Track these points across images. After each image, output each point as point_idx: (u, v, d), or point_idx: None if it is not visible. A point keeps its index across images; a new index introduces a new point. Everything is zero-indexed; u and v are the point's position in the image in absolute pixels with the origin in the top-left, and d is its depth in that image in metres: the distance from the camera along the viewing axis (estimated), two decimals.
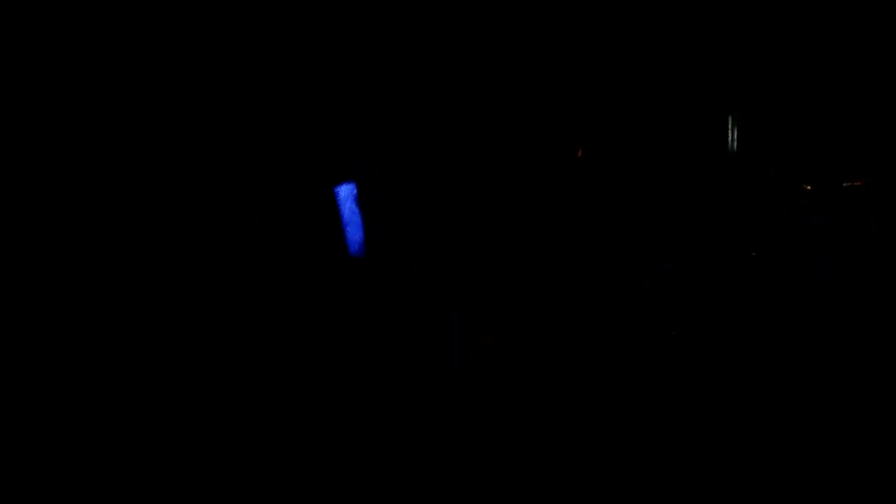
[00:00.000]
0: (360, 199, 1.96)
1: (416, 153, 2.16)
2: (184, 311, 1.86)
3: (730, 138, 2.25)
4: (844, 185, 2.07)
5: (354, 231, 1.99)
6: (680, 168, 2.27)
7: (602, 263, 2.24)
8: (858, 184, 2.09)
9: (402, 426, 1.88)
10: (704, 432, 1.85)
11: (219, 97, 1.92)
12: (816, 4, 2.12)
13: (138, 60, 1.83)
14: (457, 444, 1.82)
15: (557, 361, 2.10)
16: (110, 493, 1.65)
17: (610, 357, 2.12)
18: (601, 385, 2.05)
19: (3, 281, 1.70)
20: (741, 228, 2.25)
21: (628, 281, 2.23)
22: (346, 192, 1.99)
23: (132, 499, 1.66)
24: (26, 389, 1.69)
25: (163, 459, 1.72)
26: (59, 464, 1.66)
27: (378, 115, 2.11)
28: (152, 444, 1.74)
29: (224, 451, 1.76)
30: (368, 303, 2.05)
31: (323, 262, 1.99)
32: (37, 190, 1.73)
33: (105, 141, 1.81)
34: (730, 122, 2.24)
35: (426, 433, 1.86)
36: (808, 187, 2.03)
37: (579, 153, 2.09)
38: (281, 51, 1.98)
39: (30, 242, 1.72)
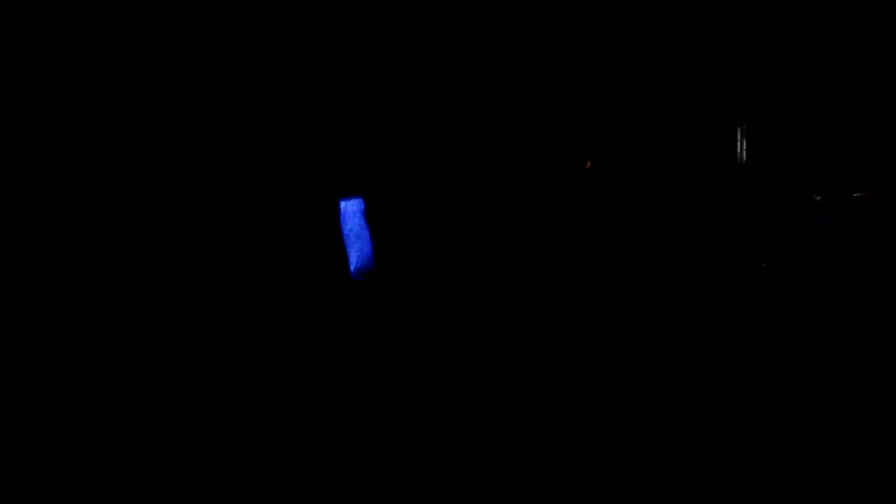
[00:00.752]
0: (368, 215, 1.98)
1: (417, 154, 2.16)
2: (183, 310, 1.87)
3: (738, 145, 2.25)
4: (854, 195, 2.08)
5: (363, 246, 2.00)
6: (679, 168, 2.27)
7: (602, 263, 2.24)
8: (866, 194, 2.09)
9: (402, 426, 1.88)
10: (705, 432, 1.85)
11: (221, 97, 1.92)
12: (822, 15, 2.12)
13: (140, 61, 1.84)
14: (457, 444, 1.82)
15: (557, 361, 2.10)
16: (110, 493, 1.66)
17: (610, 357, 2.12)
18: (601, 385, 2.05)
19: (2, 281, 1.70)
20: (741, 229, 2.25)
21: (628, 281, 2.23)
22: (353, 208, 2.01)
23: (132, 499, 1.66)
24: (26, 389, 1.70)
25: (163, 459, 1.72)
26: (59, 464, 1.67)
27: (379, 118, 2.12)
28: (153, 444, 1.74)
29: (224, 450, 1.77)
30: (368, 303, 2.05)
31: (326, 269, 1.99)
32: (36, 190, 1.73)
33: (107, 141, 1.81)
34: (738, 130, 2.24)
35: (426, 433, 1.86)
36: (818, 197, 2.04)
37: (587, 166, 2.10)
38: (286, 53, 1.98)
39: (29, 243, 1.72)
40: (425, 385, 2.01)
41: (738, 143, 2.27)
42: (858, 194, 2.16)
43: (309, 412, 1.88)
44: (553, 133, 2.25)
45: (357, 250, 2.00)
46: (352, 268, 2.00)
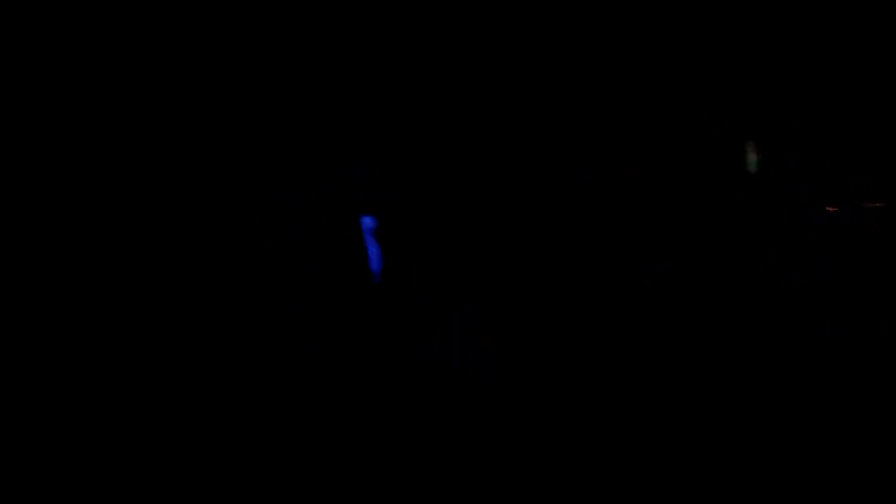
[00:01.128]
0: (378, 234, 2.02)
1: (416, 154, 2.16)
2: (182, 310, 1.86)
3: (737, 145, 2.25)
4: (854, 195, 2.07)
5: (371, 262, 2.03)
6: (679, 168, 2.27)
7: (602, 263, 2.24)
8: (866, 194, 2.09)
9: (402, 426, 1.88)
10: (705, 433, 1.85)
11: (219, 95, 1.92)
12: (824, 17, 2.12)
13: (138, 60, 1.83)
14: (457, 444, 1.82)
15: (557, 361, 2.10)
16: (110, 493, 1.66)
17: (610, 357, 2.12)
18: (601, 385, 2.05)
19: (2, 281, 1.70)
20: (741, 228, 2.25)
21: (628, 281, 2.23)
22: (366, 225, 2.04)
23: (132, 499, 1.66)
24: (24, 390, 1.70)
25: (162, 459, 1.72)
26: (58, 464, 1.67)
27: (378, 117, 2.12)
28: (151, 444, 1.74)
29: (224, 450, 1.76)
30: (368, 304, 2.05)
31: (328, 271, 1.99)
32: (35, 190, 1.73)
33: (107, 140, 1.81)
34: (738, 130, 2.24)
35: (426, 433, 1.86)
36: (832, 210, 2.03)
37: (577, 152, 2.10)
38: (283, 50, 1.98)
39: (27, 243, 1.72)
40: (425, 385, 2.01)
41: (738, 143, 2.27)
42: (858, 194, 2.16)
43: (309, 412, 1.88)
44: (553, 133, 2.25)
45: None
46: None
